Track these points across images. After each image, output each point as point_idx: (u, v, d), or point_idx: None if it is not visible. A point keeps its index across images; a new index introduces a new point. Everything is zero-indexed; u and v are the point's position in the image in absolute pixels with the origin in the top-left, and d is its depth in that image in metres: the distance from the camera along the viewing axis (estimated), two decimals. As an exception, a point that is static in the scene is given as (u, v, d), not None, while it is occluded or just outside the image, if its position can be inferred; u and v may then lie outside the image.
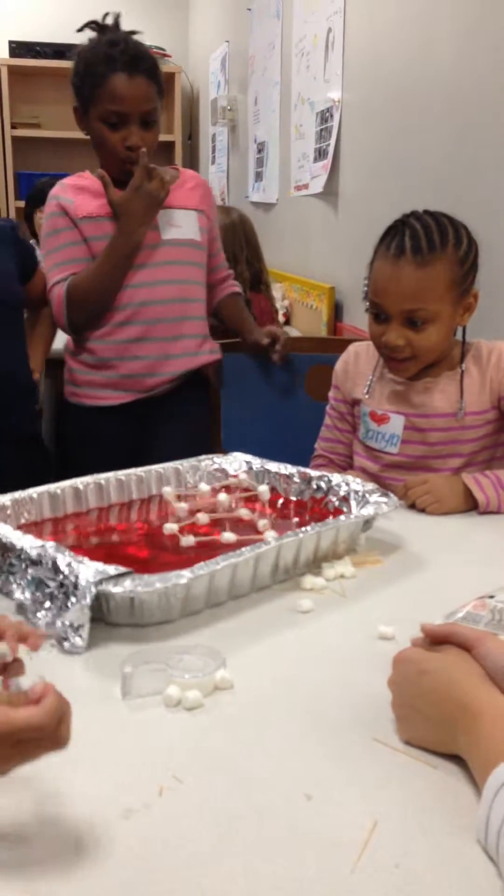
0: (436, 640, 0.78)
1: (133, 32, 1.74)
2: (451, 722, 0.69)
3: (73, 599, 0.90)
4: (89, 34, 1.73)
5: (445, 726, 0.69)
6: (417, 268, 1.32)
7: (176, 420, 1.80)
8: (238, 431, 1.94)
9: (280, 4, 3.19)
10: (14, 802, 0.66)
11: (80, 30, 1.74)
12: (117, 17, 1.74)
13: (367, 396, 1.49)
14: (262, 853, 0.61)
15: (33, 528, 1.16)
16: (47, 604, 0.93)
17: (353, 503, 1.21)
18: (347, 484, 1.24)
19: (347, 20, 2.49)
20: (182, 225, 1.79)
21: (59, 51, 4.49)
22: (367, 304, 1.41)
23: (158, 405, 1.80)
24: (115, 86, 1.66)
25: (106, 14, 1.74)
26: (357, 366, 1.53)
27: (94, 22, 1.74)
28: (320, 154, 2.76)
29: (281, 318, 3.00)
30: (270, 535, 1.12)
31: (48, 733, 0.58)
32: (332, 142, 2.62)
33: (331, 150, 2.64)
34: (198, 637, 0.93)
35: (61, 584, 0.92)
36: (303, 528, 1.07)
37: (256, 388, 1.98)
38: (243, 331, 1.95)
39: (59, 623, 0.90)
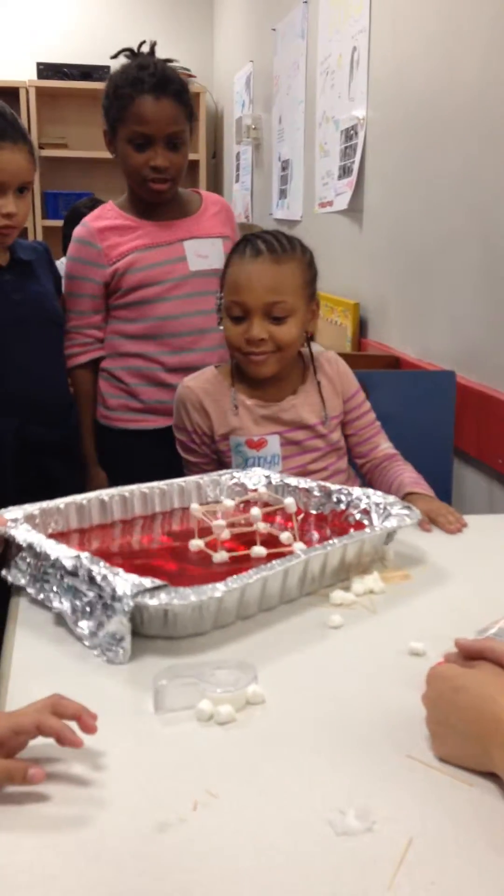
0: (470, 655, 0.77)
1: (168, 61, 1.75)
2: (486, 738, 0.68)
3: (111, 611, 0.91)
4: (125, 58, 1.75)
5: (481, 743, 0.69)
6: (275, 264, 1.42)
7: None
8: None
9: (305, 24, 3.22)
10: (50, 814, 0.67)
11: (114, 56, 1.76)
12: (153, 46, 1.75)
13: (240, 424, 1.48)
14: (298, 869, 0.61)
15: (60, 538, 1.17)
16: (86, 612, 0.94)
17: (374, 516, 1.22)
18: (368, 497, 1.25)
19: (372, 39, 2.51)
20: (208, 255, 1.79)
21: (86, 72, 4.57)
22: (223, 313, 1.47)
23: None
24: (141, 107, 1.67)
25: (142, 42, 1.76)
26: (212, 401, 1.51)
27: (128, 49, 1.75)
28: (345, 171, 2.77)
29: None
30: (299, 547, 1.12)
31: None
32: (357, 159, 2.63)
33: (355, 167, 2.65)
34: (229, 650, 0.93)
35: (99, 595, 0.93)
36: (329, 541, 1.07)
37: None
38: None
39: (101, 634, 0.91)
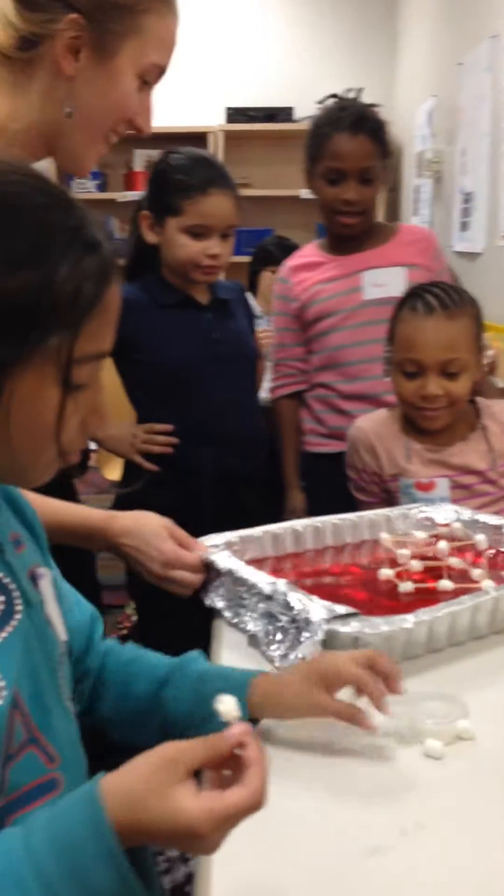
0: None
1: (372, 105, 1.84)
2: None
3: (305, 635, 0.94)
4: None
5: None
6: (448, 320, 1.43)
7: None
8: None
9: (492, 58, 3.20)
10: (271, 834, 0.70)
11: (320, 102, 1.87)
12: (359, 92, 1.86)
13: (409, 467, 1.49)
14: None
15: (255, 564, 1.21)
16: (279, 636, 0.98)
17: None
18: None
19: None
20: (386, 283, 1.82)
21: (270, 114, 4.73)
22: (393, 366, 1.48)
23: None
24: (336, 144, 1.76)
25: (349, 90, 1.87)
26: (382, 443, 1.53)
27: (334, 95, 1.86)
28: (533, 203, 2.71)
29: (485, 368, 2.95)
30: (489, 584, 1.11)
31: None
32: (547, 190, 2.58)
33: (545, 198, 2.59)
34: (421, 682, 0.93)
35: (293, 620, 0.96)
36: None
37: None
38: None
39: (292, 656, 0.95)
